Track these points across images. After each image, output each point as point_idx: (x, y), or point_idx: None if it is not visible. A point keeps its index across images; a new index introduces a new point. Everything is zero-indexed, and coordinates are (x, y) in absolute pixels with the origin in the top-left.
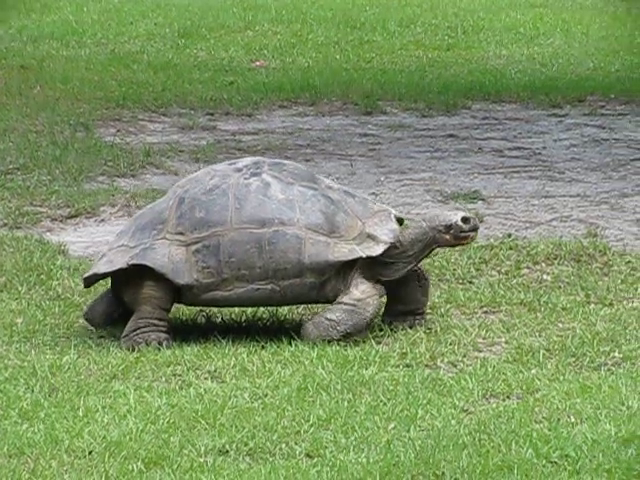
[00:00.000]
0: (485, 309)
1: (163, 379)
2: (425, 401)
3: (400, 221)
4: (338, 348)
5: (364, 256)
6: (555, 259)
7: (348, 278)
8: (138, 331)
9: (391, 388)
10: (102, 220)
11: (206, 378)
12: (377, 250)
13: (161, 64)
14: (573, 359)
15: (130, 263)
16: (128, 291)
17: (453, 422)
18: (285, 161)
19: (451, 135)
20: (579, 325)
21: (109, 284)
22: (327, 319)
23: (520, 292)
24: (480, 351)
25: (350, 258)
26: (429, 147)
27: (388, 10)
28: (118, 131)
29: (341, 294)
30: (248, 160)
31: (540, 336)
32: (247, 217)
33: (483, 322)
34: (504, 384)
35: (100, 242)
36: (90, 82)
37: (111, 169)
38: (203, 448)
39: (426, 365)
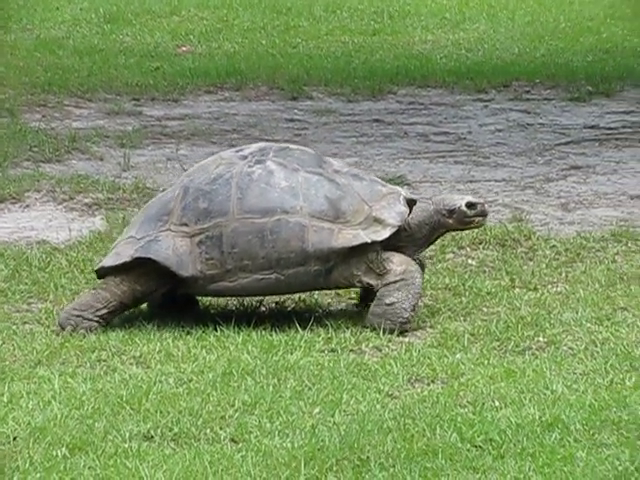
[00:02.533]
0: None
1: (88, 365)
2: (350, 386)
3: (411, 202)
4: (263, 333)
5: (369, 241)
6: (480, 244)
7: (377, 261)
8: (79, 313)
9: (316, 373)
10: (27, 206)
11: (131, 364)
12: (383, 234)
13: (87, 49)
14: (498, 343)
15: (135, 256)
16: (125, 280)
17: (378, 407)
18: (293, 146)
19: (377, 120)
20: (504, 309)
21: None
22: (387, 304)
23: (445, 277)
24: (405, 336)
25: (354, 244)
26: (355, 132)
27: None
28: (44, 116)
29: (377, 275)
30: (254, 147)
31: (465, 320)
32: (249, 207)
33: None
34: (429, 368)
35: (25, 228)
36: (15, 68)
37: (36, 154)
38: (128, 433)
39: (351, 350)
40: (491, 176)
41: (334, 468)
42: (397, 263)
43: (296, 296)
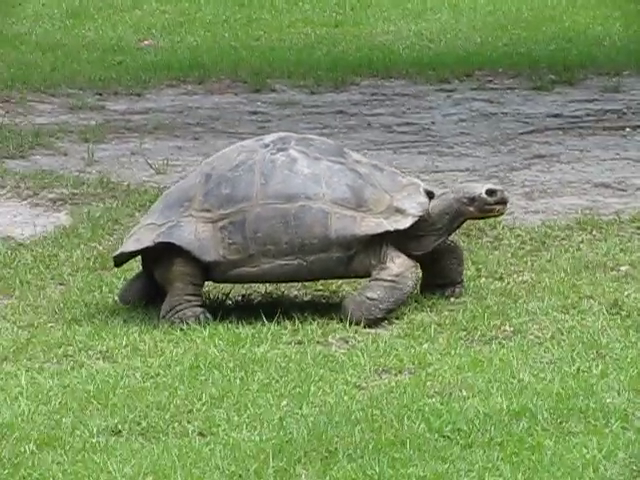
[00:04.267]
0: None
1: (55, 360)
2: (317, 378)
3: (430, 194)
4: (230, 326)
5: (392, 229)
6: None
7: (380, 253)
8: (173, 310)
9: (283, 365)
10: None
11: (98, 358)
12: (405, 223)
13: (49, 45)
14: (464, 333)
15: (157, 241)
16: (158, 269)
17: (345, 398)
18: (313, 136)
19: (340, 111)
20: (470, 299)
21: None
22: (368, 298)
23: None
24: (371, 327)
25: (377, 232)
26: (318, 124)
27: None
28: (7, 112)
29: (377, 270)
30: (275, 136)
31: (431, 311)
32: (273, 192)
33: None
34: (396, 359)
35: None
36: None
37: (0, 151)
38: (95, 428)
39: (318, 342)
40: (455, 166)
41: (302, 460)
42: (397, 264)
43: (262, 289)
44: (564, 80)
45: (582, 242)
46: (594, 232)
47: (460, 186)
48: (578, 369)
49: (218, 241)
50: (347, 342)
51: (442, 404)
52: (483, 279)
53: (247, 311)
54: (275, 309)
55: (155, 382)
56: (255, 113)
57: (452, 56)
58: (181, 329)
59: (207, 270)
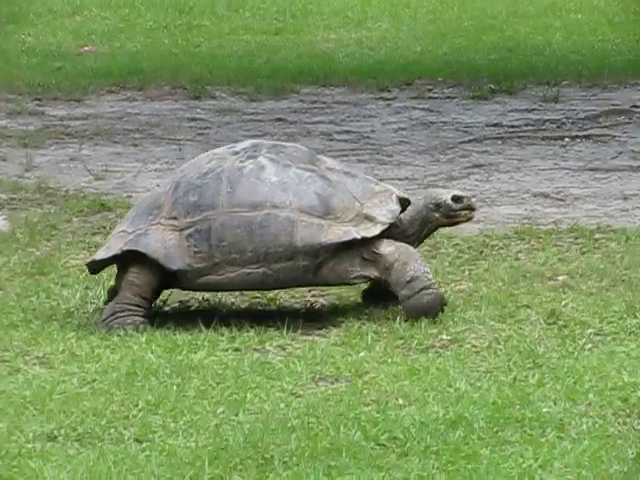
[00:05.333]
0: (314, 292)
1: None
2: (254, 385)
3: (405, 201)
4: (167, 332)
5: (359, 237)
6: None
7: (357, 257)
8: (114, 316)
9: (220, 372)
10: None
11: (34, 364)
12: (374, 231)
13: None
14: (401, 341)
15: (124, 249)
16: (119, 276)
17: (282, 405)
18: (286, 143)
19: (280, 119)
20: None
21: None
22: (408, 282)
23: None
24: (309, 334)
25: (344, 240)
26: (258, 131)
27: None
28: None
29: (375, 264)
30: (248, 143)
31: (369, 319)
32: (238, 200)
33: (312, 305)
34: (333, 367)
35: None
36: None
37: None
38: (31, 434)
39: (255, 349)
40: (394, 174)
41: (238, 467)
42: (385, 244)
43: (199, 296)
44: (504, 89)
45: (520, 252)
46: (532, 242)
47: (429, 192)
48: (515, 378)
49: (184, 249)
50: (284, 349)
51: (378, 412)
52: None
53: (184, 318)
54: (212, 316)
55: (92, 388)
56: (195, 120)
57: (392, 64)
58: (118, 335)
59: (172, 279)
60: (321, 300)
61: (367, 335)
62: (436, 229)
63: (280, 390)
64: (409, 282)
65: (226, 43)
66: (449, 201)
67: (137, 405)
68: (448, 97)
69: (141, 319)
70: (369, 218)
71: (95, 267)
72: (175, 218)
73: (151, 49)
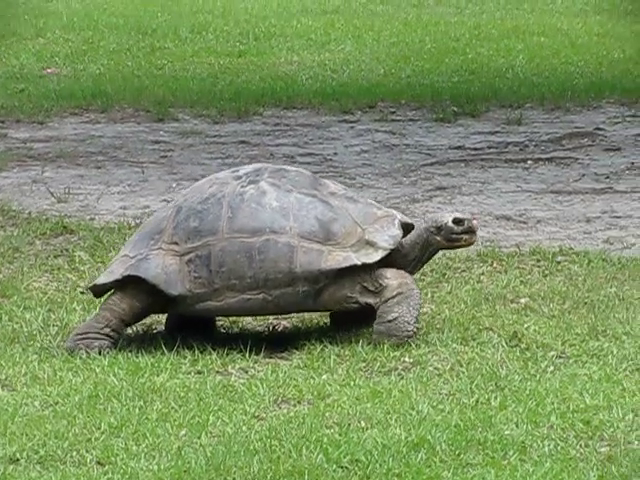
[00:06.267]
0: (276, 315)
1: None
2: (216, 407)
3: (408, 226)
4: (130, 355)
5: (359, 263)
6: None
7: (358, 283)
8: (84, 335)
9: (182, 395)
10: None
11: None
12: (374, 257)
13: None
14: (364, 364)
15: (124, 274)
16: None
17: (244, 428)
18: (289, 167)
19: (243, 142)
20: (370, 330)
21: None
22: (390, 321)
23: None
24: (271, 357)
25: (344, 265)
26: (220, 154)
27: (180, 17)
28: None
29: (374, 294)
30: (250, 167)
31: (331, 342)
32: (239, 226)
33: (274, 328)
34: (295, 390)
35: None
36: None
37: None
38: None
39: (217, 371)
40: None
41: None
42: (392, 277)
43: (162, 318)
44: (467, 112)
45: (482, 274)
46: (494, 264)
47: (430, 215)
48: (477, 401)
49: (185, 275)
50: (247, 372)
51: (341, 435)
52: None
53: (147, 340)
54: (175, 338)
55: (54, 411)
56: (158, 142)
57: (355, 87)
58: (80, 358)
59: (170, 304)
60: (284, 323)
61: (330, 358)
62: (437, 252)
63: (242, 413)
64: (389, 322)
65: (189, 65)
66: (450, 224)
67: (99, 428)
68: (411, 120)
69: (108, 343)
70: (370, 243)
71: (98, 291)
72: (176, 243)
73: (114, 71)
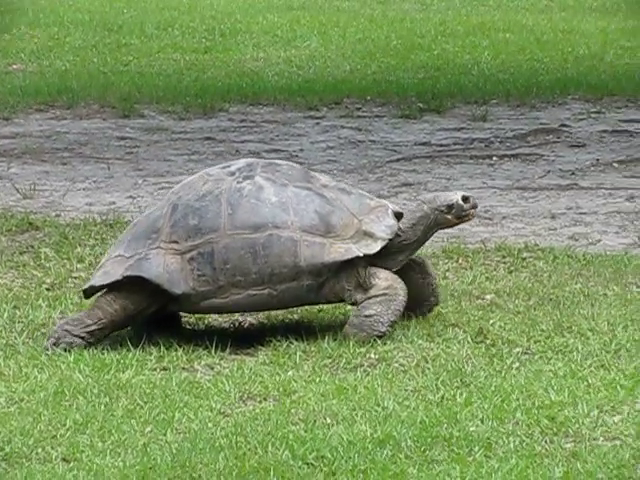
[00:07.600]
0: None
1: None
2: (182, 404)
3: (399, 215)
4: (95, 352)
5: (361, 255)
6: None
7: (355, 276)
8: (66, 332)
9: (148, 391)
10: None
11: None
12: (374, 248)
13: None
14: (329, 360)
15: (125, 275)
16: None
17: (210, 425)
18: (279, 161)
19: (208, 138)
20: (335, 327)
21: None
22: (366, 316)
23: None
24: (237, 353)
25: (347, 258)
26: (186, 150)
27: (146, 13)
28: None
29: (363, 291)
30: (242, 162)
31: (297, 338)
32: (240, 222)
33: (240, 324)
34: (261, 386)
35: None
36: None
37: None
38: None
39: (183, 368)
40: None
41: None
42: (383, 279)
43: None
44: (432, 108)
45: (448, 270)
46: (460, 261)
47: (431, 196)
48: (442, 397)
49: (187, 273)
50: (212, 369)
51: (306, 431)
52: (349, 306)
53: (112, 337)
54: (140, 335)
55: (19, 407)
56: (123, 138)
57: (321, 83)
58: (46, 354)
59: (173, 303)
60: (249, 319)
61: (295, 354)
62: (437, 231)
63: (208, 409)
64: (365, 317)
65: (155, 62)
66: (460, 202)
67: (65, 424)
68: (377, 116)
69: (82, 343)
70: (368, 234)
71: (92, 292)
72: (176, 242)
73: (80, 68)
